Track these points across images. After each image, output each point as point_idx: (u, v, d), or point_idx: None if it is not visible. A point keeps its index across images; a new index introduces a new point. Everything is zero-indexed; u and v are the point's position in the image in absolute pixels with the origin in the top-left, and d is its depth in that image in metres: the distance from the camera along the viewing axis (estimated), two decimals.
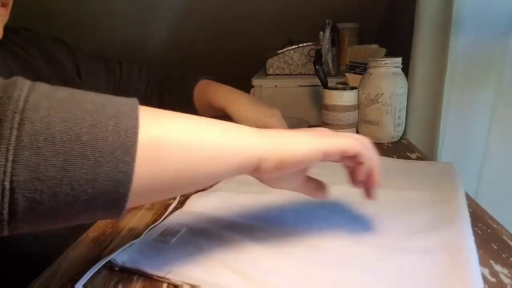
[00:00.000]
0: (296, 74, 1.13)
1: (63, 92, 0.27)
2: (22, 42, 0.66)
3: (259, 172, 0.36)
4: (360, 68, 0.97)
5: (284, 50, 1.12)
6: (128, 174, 0.27)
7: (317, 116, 0.95)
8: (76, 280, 0.41)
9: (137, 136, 0.27)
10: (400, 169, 0.67)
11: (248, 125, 0.48)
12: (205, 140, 0.32)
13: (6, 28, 0.57)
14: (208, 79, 0.80)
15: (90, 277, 0.41)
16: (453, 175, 0.63)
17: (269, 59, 1.14)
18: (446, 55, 0.81)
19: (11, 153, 0.23)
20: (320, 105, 0.88)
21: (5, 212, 0.24)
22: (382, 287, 0.37)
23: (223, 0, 1.40)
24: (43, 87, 0.27)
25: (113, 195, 0.27)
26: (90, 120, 0.26)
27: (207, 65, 1.53)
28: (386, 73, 0.82)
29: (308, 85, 1.05)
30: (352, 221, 0.50)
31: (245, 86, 1.09)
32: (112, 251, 0.45)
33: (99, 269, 0.43)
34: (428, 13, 0.84)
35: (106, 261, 0.43)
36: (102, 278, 0.41)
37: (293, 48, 1.12)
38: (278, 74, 1.14)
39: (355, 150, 0.39)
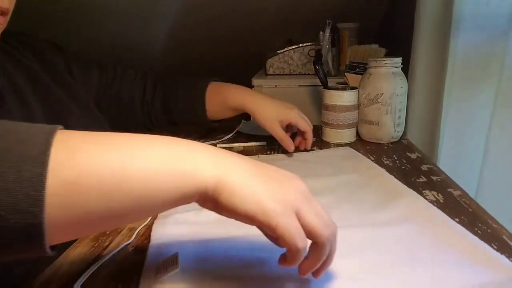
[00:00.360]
0: (296, 74, 1.13)
1: None
2: (17, 44, 0.67)
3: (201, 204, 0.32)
4: (360, 68, 0.97)
5: (284, 50, 1.12)
6: (38, 226, 0.24)
7: (317, 116, 0.95)
8: (76, 280, 0.41)
9: (44, 184, 0.24)
10: (315, 159, 0.76)
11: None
12: (132, 177, 0.28)
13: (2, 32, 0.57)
14: (215, 81, 0.81)
15: (90, 277, 0.41)
16: (357, 155, 0.76)
17: (269, 59, 1.14)
18: (446, 55, 0.81)
19: None
20: (320, 105, 0.88)
21: None
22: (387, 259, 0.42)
23: (223, 0, 1.40)
24: None
25: (27, 246, 0.25)
26: None
27: (207, 65, 1.53)
28: (386, 73, 0.82)
29: (308, 85, 1.05)
30: None
31: (245, 86, 1.10)
32: (110, 252, 0.45)
33: (99, 269, 0.43)
34: (428, 13, 0.84)
35: (103, 261, 0.43)
36: (102, 278, 0.41)
37: (293, 48, 1.12)
38: (278, 74, 1.14)
39: (301, 245, 0.31)
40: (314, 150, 0.82)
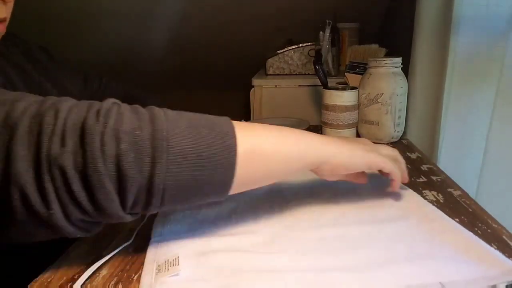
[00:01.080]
0: (296, 74, 1.13)
1: (182, 120, 0.38)
2: (6, 42, 0.67)
3: (318, 171, 0.49)
4: (360, 68, 0.97)
5: (284, 50, 1.13)
6: (230, 176, 0.39)
7: (317, 116, 0.95)
8: (75, 280, 0.41)
9: (235, 151, 0.39)
10: None
11: None
12: (283, 149, 0.44)
13: None
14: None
15: (90, 277, 0.41)
16: None
17: (269, 59, 1.14)
18: (446, 55, 0.81)
19: (164, 168, 0.35)
20: (320, 105, 0.88)
21: (158, 202, 0.37)
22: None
23: (224, 0, 1.40)
24: (169, 114, 0.39)
25: (220, 189, 0.40)
26: (207, 141, 0.38)
27: (207, 65, 1.53)
28: (386, 73, 0.82)
29: (308, 85, 1.05)
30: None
31: (245, 86, 1.10)
32: (110, 252, 0.45)
33: (99, 269, 0.43)
34: (428, 13, 0.84)
35: (103, 261, 0.43)
36: (102, 278, 0.41)
37: (293, 48, 1.12)
38: (278, 74, 1.14)
39: (389, 169, 0.52)
40: None
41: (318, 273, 0.39)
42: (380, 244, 0.45)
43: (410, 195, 0.57)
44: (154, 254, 0.44)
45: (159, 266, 0.42)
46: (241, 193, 0.45)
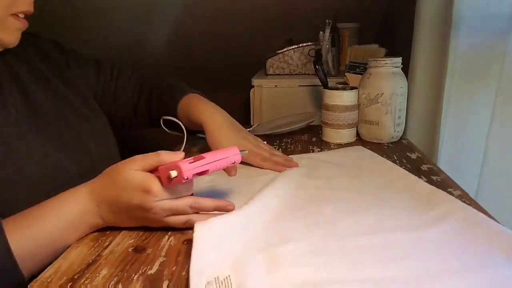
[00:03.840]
0: (296, 74, 1.13)
1: None
2: (23, 43, 0.67)
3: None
4: (360, 68, 0.97)
5: (284, 50, 1.12)
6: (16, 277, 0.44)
7: (317, 116, 0.95)
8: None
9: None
10: (332, 159, 0.75)
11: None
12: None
13: None
14: (197, 93, 0.80)
15: (90, 277, 0.41)
16: (373, 155, 0.75)
17: (269, 59, 1.14)
18: (446, 55, 0.81)
19: None
20: (320, 105, 0.88)
21: None
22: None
23: (224, 0, 1.41)
24: None
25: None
26: None
27: (207, 65, 1.53)
28: (386, 73, 0.82)
29: (308, 85, 1.05)
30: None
31: (245, 86, 1.10)
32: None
33: (99, 269, 0.43)
34: (428, 13, 0.84)
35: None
36: (102, 278, 0.41)
37: (293, 48, 1.12)
38: (278, 74, 1.14)
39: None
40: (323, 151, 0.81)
41: (375, 285, 0.38)
42: (424, 251, 0.43)
43: (445, 198, 0.55)
44: (200, 265, 0.41)
45: (208, 283, 0.39)
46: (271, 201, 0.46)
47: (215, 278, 0.39)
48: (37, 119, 0.60)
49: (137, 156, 0.49)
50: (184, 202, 0.48)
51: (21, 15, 0.57)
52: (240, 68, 1.33)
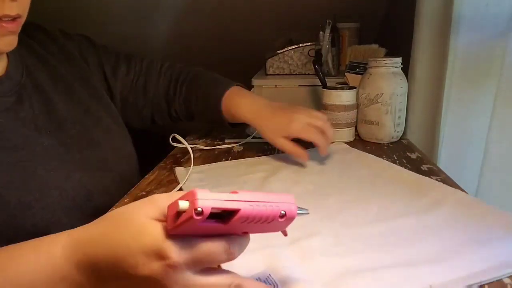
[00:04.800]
0: (296, 74, 1.13)
1: None
2: (43, 39, 0.68)
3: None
4: (360, 68, 0.97)
5: (284, 50, 1.12)
6: None
7: None
8: None
9: None
10: (317, 157, 0.74)
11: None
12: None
13: (27, 24, 0.56)
14: (238, 85, 0.81)
15: None
16: (353, 150, 0.79)
17: (269, 59, 1.14)
18: (446, 55, 0.81)
19: None
20: (320, 105, 0.88)
21: None
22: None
23: (224, 0, 1.40)
24: None
25: None
26: None
27: (207, 65, 1.53)
28: (386, 73, 0.82)
29: (308, 85, 1.05)
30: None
31: (245, 86, 1.10)
32: None
33: None
34: (428, 13, 0.84)
35: None
36: None
37: (293, 48, 1.12)
38: (278, 74, 1.14)
39: None
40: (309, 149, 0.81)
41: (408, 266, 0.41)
42: (431, 234, 0.47)
43: (435, 184, 0.61)
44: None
45: None
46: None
47: (256, 279, 0.39)
48: (59, 134, 0.60)
49: (159, 195, 0.33)
50: (221, 281, 0.32)
51: (6, 19, 0.51)
52: (240, 68, 1.33)
